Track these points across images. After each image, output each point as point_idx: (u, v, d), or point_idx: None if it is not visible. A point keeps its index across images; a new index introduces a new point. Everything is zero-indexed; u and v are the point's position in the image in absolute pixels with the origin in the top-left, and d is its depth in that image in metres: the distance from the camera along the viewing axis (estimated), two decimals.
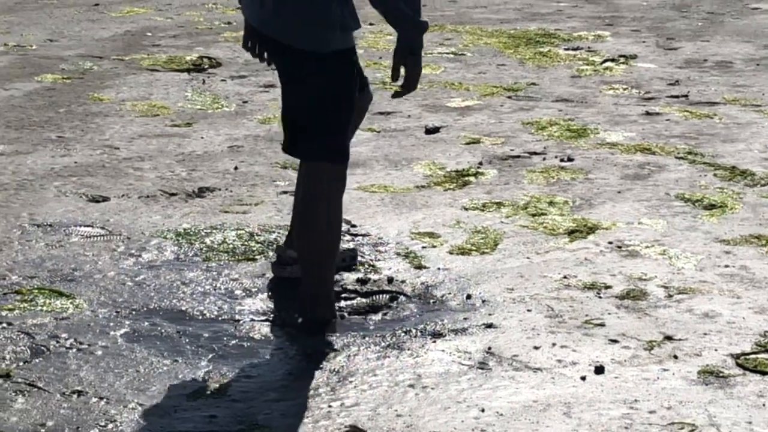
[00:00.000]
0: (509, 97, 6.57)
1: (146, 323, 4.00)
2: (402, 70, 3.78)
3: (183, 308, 4.13)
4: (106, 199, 5.08)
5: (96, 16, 8.49)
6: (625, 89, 6.70)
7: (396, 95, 3.87)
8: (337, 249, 4.08)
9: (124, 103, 6.43)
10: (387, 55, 7.45)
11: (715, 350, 3.78)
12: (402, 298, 4.24)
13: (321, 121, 3.89)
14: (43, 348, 3.81)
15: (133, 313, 4.08)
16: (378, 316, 4.12)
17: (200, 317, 4.08)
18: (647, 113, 6.25)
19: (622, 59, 7.27)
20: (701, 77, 6.92)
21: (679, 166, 5.46)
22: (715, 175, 5.34)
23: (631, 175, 5.35)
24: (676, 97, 6.54)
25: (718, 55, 7.42)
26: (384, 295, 4.25)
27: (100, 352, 3.80)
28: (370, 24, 8.25)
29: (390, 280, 4.34)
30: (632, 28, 8.11)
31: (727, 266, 4.41)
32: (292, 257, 4.27)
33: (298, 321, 4.05)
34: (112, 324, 3.99)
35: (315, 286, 4.03)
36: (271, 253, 4.54)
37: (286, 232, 4.43)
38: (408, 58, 3.73)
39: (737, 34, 7.95)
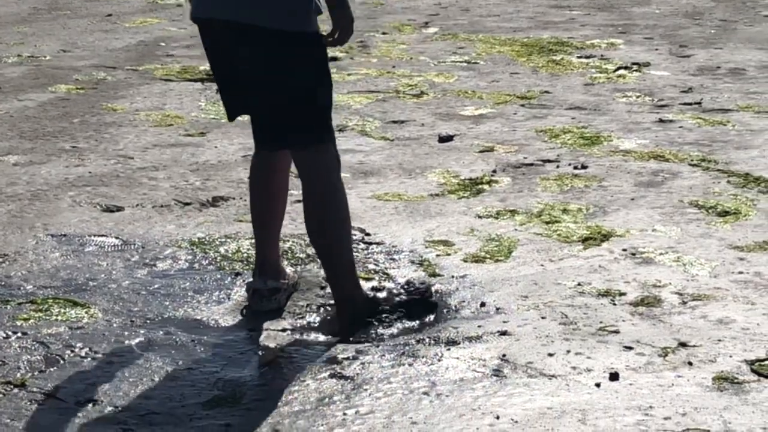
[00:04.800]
0: (522, 105, 6.56)
1: (161, 332, 4.01)
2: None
3: (197, 317, 4.14)
4: (120, 208, 5.10)
5: (109, 27, 8.52)
6: (638, 97, 6.69)
7: (327, 44, 3.97)
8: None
9: (137, 113, 6.45)
10: (399, 64, 7.45)
11: (730, 356, 3.78)
12: (417, 305, 4.23)
13: (315, 105, 3.96)
14: (58, 357, 3.82)
15: (148, 322, 4.09)
16: (392, 324, 4.12)
17: (215, 326, 4.09)
18: (660, 120, 6.25)
19: (635, 67, 7.27)
20: (714, 84, 6.92)
21: (693, 173, 5.46)
22: (728, 182, 5.33)
23: (644, 183, 5.35)
24: (689, 104, 6.54)
25: (731, 62, 7.41)
26: (399, 299, 4.25)
27: (114, 361, 3.81)
28: (383, 33, 8.27)
29: (408, 283, 4.30)
30: (645, 35, 8.11)
31: (741, 273, 4.40)
32: (273, 287, 4.21)
33: (343, 321, 4.07)
34: (126, 333, 4.00)
35: (352, 279, 4.07)
36: (285, 262, 4.54)
37: (286, 248, 4.36)
38: (335, 10, 3.92)
39: (750, 41, 7.94)
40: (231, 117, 4.17)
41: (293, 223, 4.92)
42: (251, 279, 4.26)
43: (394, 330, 4.08)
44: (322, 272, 4.45)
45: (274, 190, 4.23)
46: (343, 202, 4.05)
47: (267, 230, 4.26)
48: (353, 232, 4.81)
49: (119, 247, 4.69)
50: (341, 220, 4.05)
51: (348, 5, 3.98)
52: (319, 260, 4.22)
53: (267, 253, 4.25)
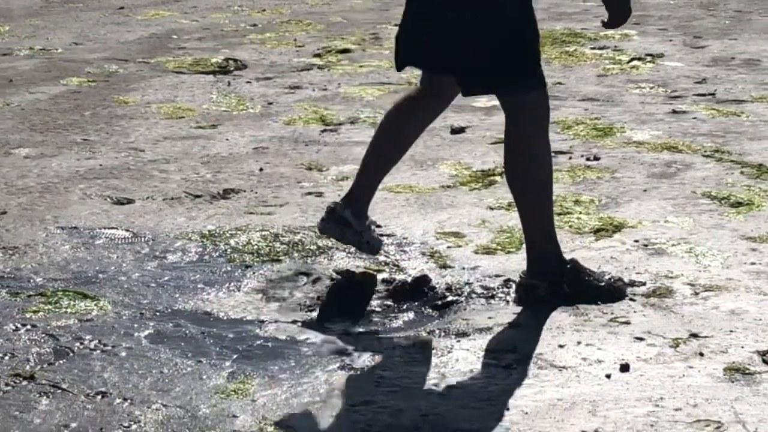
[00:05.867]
0: None
1: (170, 324, 4.00)
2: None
3: (207, 309, 4.13)
4: (130, 201, 5.09)
5: (121, 19, 8.51)
6: (651, 88, 6.66)
7: (604, 25, 4.05)
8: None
9: (149, 106, 6.45)
10: None
11: (741, 347, 3.75)
12: (427, 297, 4.22)
13: (524, 46, 4.08)
14: (67, 350, 3.82)
15: (157, 314, 4.08)
16: (403, 316, 4.11)
17: (224, 318, 4.08)
18: (674, 111, 6.21)
19: (648, 58, 7.23)
20: (728, 75, 6.88)
21: (706, 164, 5.43)
22: (741, 172, 5.30)
23: (657, 174, 5.32)
24: (703, 95, 6.50)
25: (745, 53, 7.37)
26: (408, 291, 4.23)
27: (124, 354, 3.80)
28: (396, 25, 8.24)
29: (424, 278, 4.27)
30: (659, 26, 8.07)
31: (753, 263, 4.37)
32: (348, 219, 4.28)
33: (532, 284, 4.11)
34: (136, 325, 4.00)
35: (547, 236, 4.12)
36: (295, 254, 4.53)
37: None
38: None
39: (765, 32, 7.89)
40: (399, 68, 4.22)
41: (303, 215, 4.91)
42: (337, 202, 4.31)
43: (403, 321, 4.07)
44: (332, 264, 4.45)
45: (407, 134, 4.28)
46: (544, 168, 4.09)
47: (376, 173, 4.31)
48: None
49: (129, 240, 4.69)
50: (541, 186, 4.10)
51: None
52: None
53: (361, 192, 4.29)
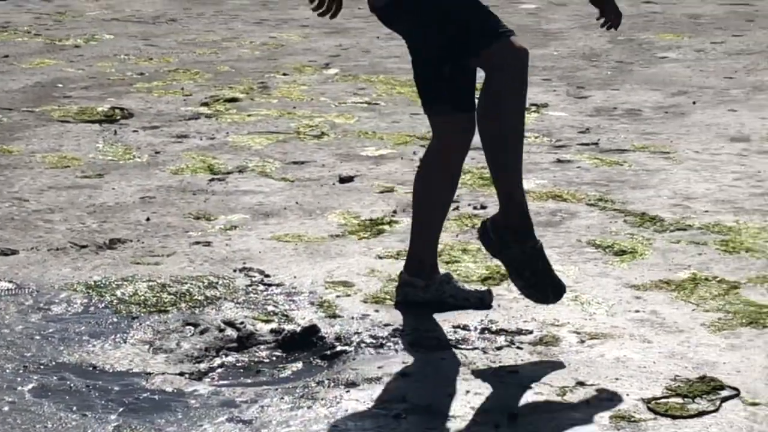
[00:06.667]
0: (422, 146, 6.57)
1: (54, 378, 3.94)
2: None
3: (93, 362, 4.07)
4: (14, 252, 5.01)
5: (5, 68, 8.41)
6: (536, 137, 6.75)
7: (604, 25, 4.60)
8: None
9: (33, 155, 6.36)
10: (300, 105, 7.45)
11: (627, 395, 3.80)
12: (316, 347, 4.21)
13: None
14: None
15: (41, 367, 4.01)
16: (291, 366, 4.09)
17: (110, 371, 4.02)
18: (558, 161, 6.31)
19: (533, 108, 7.34)
20: (611, 125, 7.01)
21: (590, 213, 5.51)
22: (625, 221, 5.39)
23: (543, 222, 5.38)
24: (587, 144, 6.61)
25: (627, 103, 7.52)
26: (297, 341, 4.22)
27: (6, 408, 3.73)
28: (284, 74, 8.26)
29: (313, 328, 4.27)
30: (543, 77, 8.20)
31: (637, 311, 4.44)
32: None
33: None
34: (19, 379, 3.92)
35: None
36: (183, 305, 4.49)
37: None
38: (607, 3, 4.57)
39: (646, 82, 8.06)
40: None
41: (191, 265, 4.88)
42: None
43: (292, 371, 4.05)
44: (220, 315, 4.42)
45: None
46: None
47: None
48: (253, 273, 4.80)
49: (13, 291, 4.61)
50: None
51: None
52: None
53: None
